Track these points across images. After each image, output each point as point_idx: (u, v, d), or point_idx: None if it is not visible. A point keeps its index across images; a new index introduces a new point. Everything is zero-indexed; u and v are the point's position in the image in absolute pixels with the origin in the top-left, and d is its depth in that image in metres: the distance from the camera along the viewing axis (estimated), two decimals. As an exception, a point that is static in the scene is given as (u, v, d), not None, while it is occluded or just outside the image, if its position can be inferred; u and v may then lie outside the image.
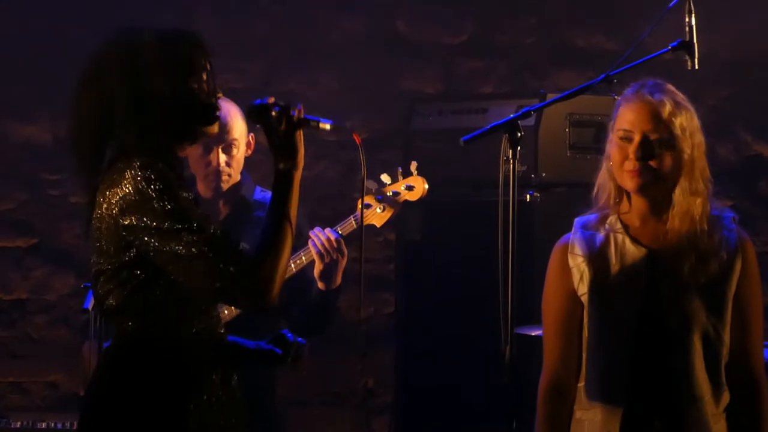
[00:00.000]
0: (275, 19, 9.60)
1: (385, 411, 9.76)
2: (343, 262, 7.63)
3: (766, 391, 6.35)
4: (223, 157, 7.61)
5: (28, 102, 9.85)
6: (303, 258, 7.50)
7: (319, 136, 9.41)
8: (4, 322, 9.78)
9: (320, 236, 7.31)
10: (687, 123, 6.39)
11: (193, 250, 5.80)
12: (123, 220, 5.88)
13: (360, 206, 7.07)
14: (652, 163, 6.31)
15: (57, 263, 9.57)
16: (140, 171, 5.82)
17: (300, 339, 6.63)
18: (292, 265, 7.51)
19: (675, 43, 7.25)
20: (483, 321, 6.80)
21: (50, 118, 9.66)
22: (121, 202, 5.88)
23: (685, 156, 6.34)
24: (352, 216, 7.66)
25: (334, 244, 7.41)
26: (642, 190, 6.33)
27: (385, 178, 7.65)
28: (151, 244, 5.84)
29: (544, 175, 8.44)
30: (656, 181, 6.31)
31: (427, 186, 7.67)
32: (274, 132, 6.14)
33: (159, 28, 6.07)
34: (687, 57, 7.06)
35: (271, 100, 6.21)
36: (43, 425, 8.29)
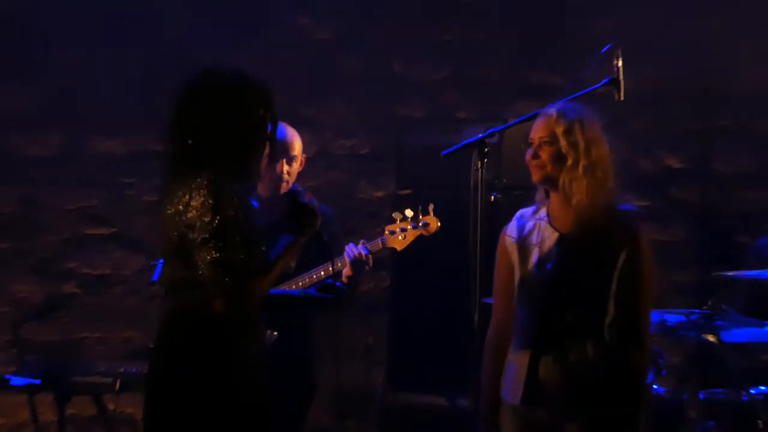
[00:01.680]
0: (298, 60, 9.67)
1: (381, 364, 9.73)
2: (367, 269, 7.76)
3: (638, 351, 6.38)
4: (285, 168, 7.73)
5: (108, 121, 9.68)
6: (339, 264, 7.66)
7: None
8: (91, 292, 9.79)
9: (354, 250, 7.57)
10: (582, 136, 6.47)
11: (210, 260, 5.86)
12: (184, 221, 5.96)
13: (387, 232, 7.81)
14: (540, 162, 6.47)
15: (131, 247, 9.55)
16: (209, 187, 5.94)
17: (340, 285, 6.87)
18: (331, 268, 7.72)
19: (606, 80, 7.34)
20: (459, 293, 6.95)
21: (126, 135, 9.58)
22: (188, 207, 5.97)
23: (581, 162, 6.42)
24: (380, 238, 7.81)
25: (363, 258, 7.61)
26: (541, 183, 6.55)
27: (408, 212, 7.78)
28: (194, 245, 5.89)
29: (505, 180, 8.59)
30: (548, 178, 6.48)
31: (439, 224, 7.75)
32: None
33: (240, 74, 6.11)
34: (615, 91, 7.14)
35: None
36: (121, 370, 8.28)
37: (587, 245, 6.49)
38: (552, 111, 6.60)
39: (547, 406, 6.48)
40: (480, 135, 7.23)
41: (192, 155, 6.09)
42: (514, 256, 6.68)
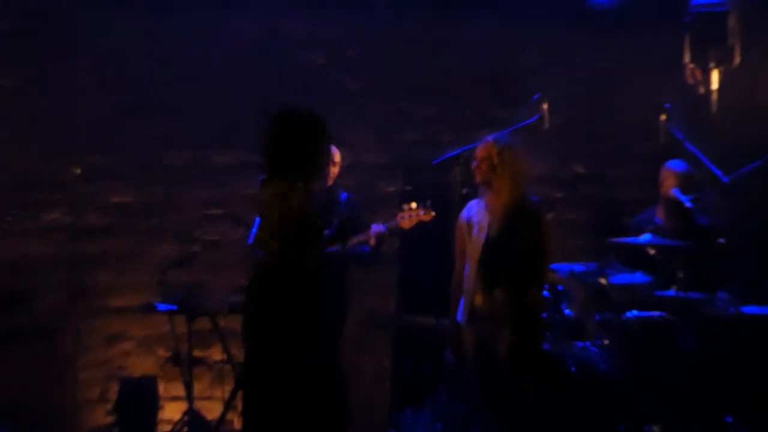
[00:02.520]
0: (338, 104, 9.33)
1: (393, 296, 9.66)
2: (385, 240, 7.85)
3: (535, 289, 6.61)
4: (332, 169, 7.83)
5: (222, 139, 9.54)
6: (364, 237, 7.73)
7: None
8: (209, 250, 9.68)
9: (376, 228, 7.72)
10: (507, 156, 6.70)
11: (284, 232, 6.10)
12: (273, 205, 6.17)
13: (398, 217, 7.83)
14: (481, 171, 6.74)
15: (235, 223, 9.42)
16: (296, 187, 6.14)
17: (367, 249, 7.71)
18: (364, 238, 7.74)
19: (536, 117, 7.37)
20: (443, 253, 7.10)
21: (234, 151, 9.42)
22: (282, 196, 6.17)
23: (506, 172, 6.66)
24: (393, 221, 7.82)
25: (382, 233, 7.71)
26: (481, 184, 6.79)
27: (413, 204, 7.84)
28: (276, 220, 6.11)
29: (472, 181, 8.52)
30: (485, 181, 6.74)
31: (433, 214, 7.73)
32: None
33: (309, 112, 6.26)
34: (542, 123, 7.16)
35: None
36: (229, 300, 8.41)
37: (507, 223, 6.74)
38: (490, 139, 6.87)
39: (479, 325, 6.75)
40: (456, 152, 7.38)
41: (278, 164, 6.24)
42: (464, 230, 6.92)
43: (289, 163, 6.24)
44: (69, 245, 8.85)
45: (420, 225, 7.86)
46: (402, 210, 7.91)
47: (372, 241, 7.66)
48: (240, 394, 8.08)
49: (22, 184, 9.20)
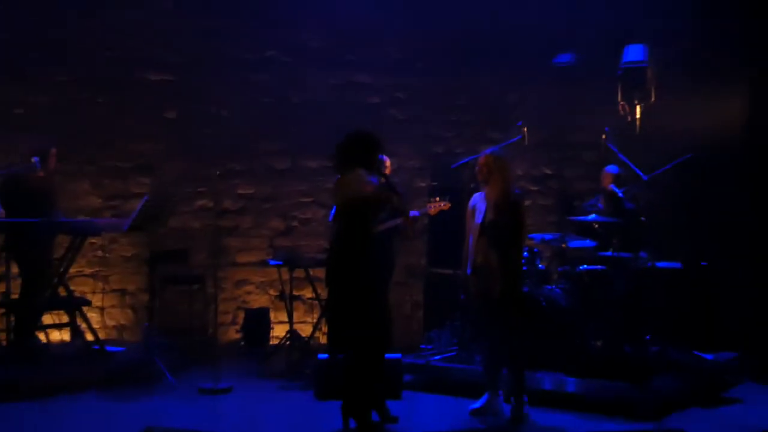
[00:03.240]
0: (385, 123, 9.33)
1: (423, 255, 9.54)
2: (419, 221, 7.80)
3: (515, 251, 6.43)
4: (385, 171, 7.50)
5: (311, 151, 9.46)
6: (400, 220, 7.44)
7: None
8: (304, 225, 9.66)
9: (413, 212, 7.21)
10: (499, 164, 6.46)
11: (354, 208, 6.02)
12: (345, 191, 6.08)
13: (427, 206, 7.70)
14: (481, 174, 6.49)
15: (320, 206, 9.46)
16: (361, 174, 6.07)
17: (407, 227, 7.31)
18: (399, 221, 7.48)
19: (518, 137, 7.35)
20: (459, 228, 6.86)
21: (322, 158, 9.17)
22: (348, 185, 6.04)
23: (498, 175, 6.42)
24: (425, 208, 7.67)
25: (417, 217, 7.37)
26: (481, 183, 6.55)
27: (438, 199, 7.67)
28: (348, 200, 6.03)
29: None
30: (484, 180, 6.50)
31: (450, 205, 7.61)
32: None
33: (370, 131, 6.23)
34: (524, 141, 7.16)
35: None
36: (318, 257, 8.32)
37: (498, 208, 6.47)
38: (488, 151, 6.59)
39: (479, 276, 6.50)
40: (466, 160, 7.39)
41: (348, 164, 6.14)
42: (470, 214, 6.61)
43: (355, 163, 6.14)
44: (212, 221, 8.83)
45: (442, 212, 7.76)
46: (429, 201, 7.78)
47: (411, 221, 7.12)
48: (324, 320, 8.34)
49: (183, 181, 9.26)
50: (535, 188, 9.99)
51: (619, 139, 7.70)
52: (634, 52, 7.54)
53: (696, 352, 7.63)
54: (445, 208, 7.68)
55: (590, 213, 7.94)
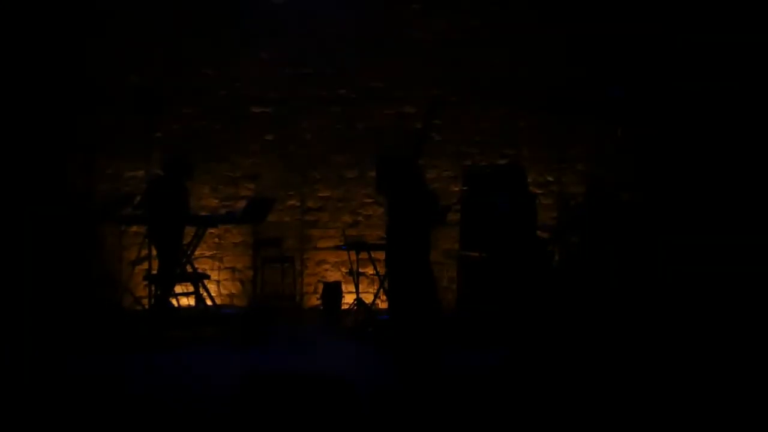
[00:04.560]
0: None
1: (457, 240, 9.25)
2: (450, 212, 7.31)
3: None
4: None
5: (368, 163, 9.09)
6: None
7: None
8: (364, 223, 9.53)
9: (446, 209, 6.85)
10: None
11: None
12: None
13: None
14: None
15: (382, 206, 9.30)
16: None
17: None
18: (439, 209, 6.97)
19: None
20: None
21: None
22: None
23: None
24: (457, 204, 7.52)
25: (449, 211, 7.10)
26: None
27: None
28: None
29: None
30: None
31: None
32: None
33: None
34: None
35: None
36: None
37: None
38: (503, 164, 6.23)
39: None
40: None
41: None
42: None
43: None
44: (300, 216, 8.78)
45: (471, 207, 7.55)
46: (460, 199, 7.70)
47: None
48: (382, 291, 8.19)
49: (276, 187, 9.24)
50: (539, 192, 9.72)
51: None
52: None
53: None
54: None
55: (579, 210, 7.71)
